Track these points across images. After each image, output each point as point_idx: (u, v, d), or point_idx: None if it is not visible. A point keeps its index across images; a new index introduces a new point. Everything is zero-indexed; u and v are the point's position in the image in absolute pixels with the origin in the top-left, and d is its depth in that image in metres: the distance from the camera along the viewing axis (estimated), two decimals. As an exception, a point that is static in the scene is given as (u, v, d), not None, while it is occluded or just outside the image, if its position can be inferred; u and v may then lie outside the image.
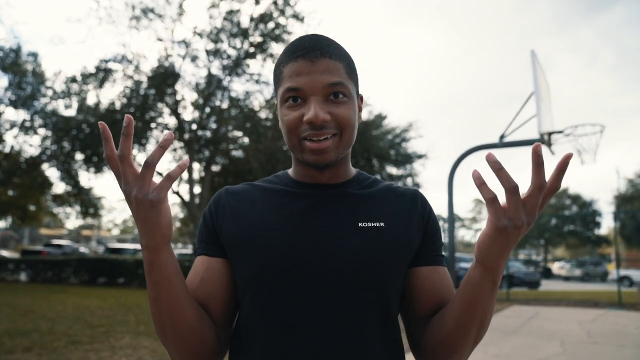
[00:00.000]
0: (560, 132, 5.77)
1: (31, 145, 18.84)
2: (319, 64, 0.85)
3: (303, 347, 0.82)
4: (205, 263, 0.92)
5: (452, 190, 5.77)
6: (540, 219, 40.07)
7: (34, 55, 18.61)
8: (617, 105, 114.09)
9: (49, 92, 17.77)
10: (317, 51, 0.85)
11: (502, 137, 5.48)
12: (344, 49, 0.92)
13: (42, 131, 18.07)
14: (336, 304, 0.83)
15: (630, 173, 39.78)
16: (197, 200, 16.50)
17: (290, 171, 1.01)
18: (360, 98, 0.98)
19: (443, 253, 0.99)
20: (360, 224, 0.88)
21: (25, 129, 18.09)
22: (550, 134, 5.63)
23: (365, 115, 17.80)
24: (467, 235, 68.38)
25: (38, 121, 17.90)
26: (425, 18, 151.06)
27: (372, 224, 0.89)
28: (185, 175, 17.35)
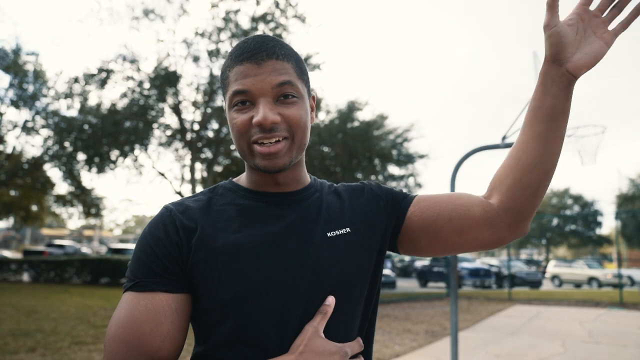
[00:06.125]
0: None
1: (33, 145, 18.86)
2: (266, 65, 0.83)
3: None
4: (169, 303, 0.80)
5: (454, 190, 5.78)
6: (542, 218, 40.09)
7: (35, 55, 18.65)
8: (623, 105, 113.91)
9: (51, 93, 17.79)
10: (263, 52, 0.83)
11: (504, 138, 5.49)
12: (292, 48, 0.89)
13: (44, 132, 18.07)
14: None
15: (632, 173, 39.73)
16: (199, 201, 16.50)
17: (243, 180, 0.95)
18: (313, 97, 0.96)
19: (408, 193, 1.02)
20: (328, 234, 0.88)
21: (27, 129, 18.11)
22: (551, 134, 5.63)
23: (367, 115, 17.80)
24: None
25: (40, 121, 17.92)
26: (432, 17, 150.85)
27: (339, 232, 0.89)
28: (187, 175, 17.40)
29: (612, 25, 0.82)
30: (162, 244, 0.82)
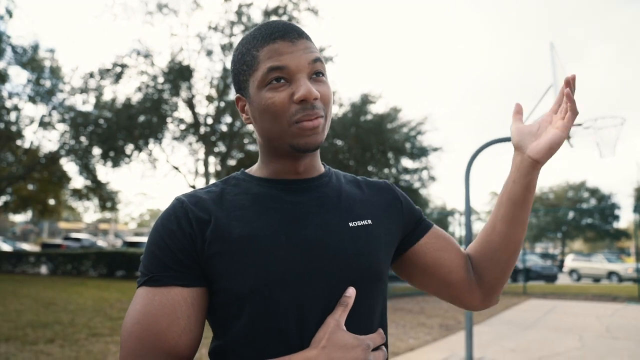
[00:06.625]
0: (580, 124, 5.67)
1: (50, 140, 19.16)
2: (300, 43, 0.83)
3: None
4: (185, 297, 0.78)
5: (469, 183, 5.73)
6: (558, 212, 39.62)
7: (52, 51, 18.87)
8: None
9: (67, 88, 18.02)
10: (294, 32, 0.83)
11: (520, 130, 5.37)
12: None
13: (60, 126, 18.34)
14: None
15: (650, 165, 38.97)
16: (212, 194, 16.61)
17: (256, 170, 0.92)
18: None
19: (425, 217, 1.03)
20: (350, 224, 0.87)
21: (44, 124, 18.38)
22: (569, 126, 5.50)
23: (380, 108, 17.73)
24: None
25: (56, 116, 18.17)
26: (447, 9, 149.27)
27: (361, 223, 0.88)
28: (201, 169, 17.50)
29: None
30: (176, 237, 0.79)
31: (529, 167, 0.88)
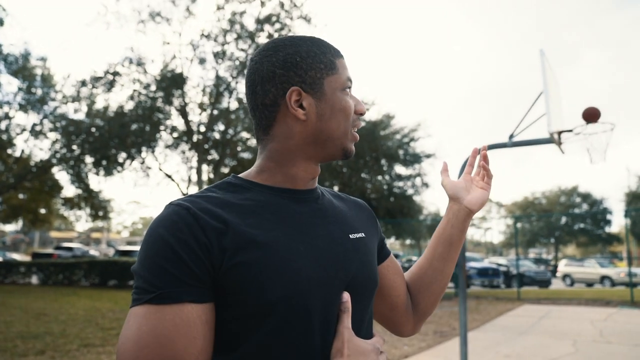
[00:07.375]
0: (570, 131, 5.70)
1: (41, 149, 19.03)
2: None
3: None
4: (200, 314, 0.72)
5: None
6: (550, 217, 39.82)
7: (43, 59, 18.80)
8: (632, 101, 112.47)
9: (59, 96, 17.94)
10: None
11: (511, 136, 5.43)
12: None
13: (52, 135, 18.23)
14: (354, 315, 0.86)
15: (641, 170, 39.32)
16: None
17: (255, 176, 0.89)
18: None
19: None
20: (350, 236, 0.91)
21: (36, 133, 18.26)
22: (559, 133, 5.56)
23: (373, 115, 17.77)
24: (477, 234, 68.05)
25: (48, 125, 18.06)
26: (440, 15, 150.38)
27: (358, 235, 0.93)
28: (194, 177, 17.45)
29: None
30: (189, 247, 0.72)
31: (465, 215, 1.05)
